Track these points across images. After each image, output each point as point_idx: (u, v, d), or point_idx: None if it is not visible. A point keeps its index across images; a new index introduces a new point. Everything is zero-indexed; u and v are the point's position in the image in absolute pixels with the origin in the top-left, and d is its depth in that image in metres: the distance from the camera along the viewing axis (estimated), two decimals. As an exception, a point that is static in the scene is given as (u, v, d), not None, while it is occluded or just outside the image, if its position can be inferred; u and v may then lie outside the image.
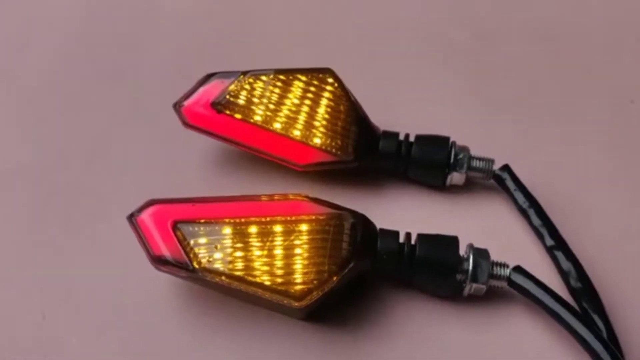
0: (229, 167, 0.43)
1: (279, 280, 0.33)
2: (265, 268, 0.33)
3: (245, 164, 0.43)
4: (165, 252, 0.33)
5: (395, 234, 0.36)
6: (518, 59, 0.51)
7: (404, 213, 0.40)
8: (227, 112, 0.40)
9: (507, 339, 0.35)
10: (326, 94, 0.40)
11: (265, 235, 0.34)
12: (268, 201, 0.35)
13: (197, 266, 0.33)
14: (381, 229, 0.36)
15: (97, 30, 0.52)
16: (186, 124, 0.40)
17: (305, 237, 0.34)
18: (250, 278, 0.33)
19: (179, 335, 0.36)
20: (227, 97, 0.40)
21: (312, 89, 0.40)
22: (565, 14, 0.54)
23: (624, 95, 0.48)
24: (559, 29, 0.53)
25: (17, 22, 0.53)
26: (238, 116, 0.40)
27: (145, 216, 0.34)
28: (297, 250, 0.33)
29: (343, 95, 0.40)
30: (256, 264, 0.33)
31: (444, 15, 0.53)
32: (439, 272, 0.35)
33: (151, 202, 0.35)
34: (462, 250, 0.36)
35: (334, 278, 0.33)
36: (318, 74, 0.40)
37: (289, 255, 0.33)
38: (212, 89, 0.40)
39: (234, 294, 0.35)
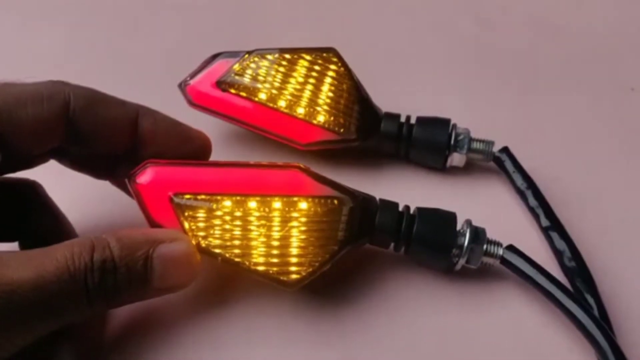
0: (233, 146, 0.44)
1: (275, 269, 0.33)
2: (262, 257, 0.33)
3: (249, 143, 0.43)
4: (164, 223, 0.33)
5: (395, 206, 0.36)
6: (520, 44, 0.51)
7: (404, 194, 0.40)
8: (232, 90, 0.40)
9: (500, 316, 0.36)
10: (330, 73, 0.40)
11: (263, 220, 0.33)
12: (264, 169, 0.34)
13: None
14: (381, 200, 0.36)
15: (99, 13, 0.53)
16: (191, 103, 0.41)
17: (304, 227, 0.33)
18: (246, 262, 0.33)
19: (166, 298, 0.34)
20: (232, 75, 0.40)
21: (316, 67, 0.40)
22: (567, 1, 0.54)
23: (624, 83, 0.48)
24: (561, 15, 0.53)
25: (17, 8, 0.53)
26: (243, 94, 0.40)
27: (145, 181, 0.33)
28: (294, 240, 0.33)
29: (346, 74, 0.40)
30: (252, 251, 0.33)
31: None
32: (436, 247, 0.35)
33: (148, 163, 0.33)
34: (459, 226, 0.36)
35: (328, 265, 0.34)
36: (322, 53, 0.40)
37: (285, 245, 0.33)
38: (217, 69, 0.41)
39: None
